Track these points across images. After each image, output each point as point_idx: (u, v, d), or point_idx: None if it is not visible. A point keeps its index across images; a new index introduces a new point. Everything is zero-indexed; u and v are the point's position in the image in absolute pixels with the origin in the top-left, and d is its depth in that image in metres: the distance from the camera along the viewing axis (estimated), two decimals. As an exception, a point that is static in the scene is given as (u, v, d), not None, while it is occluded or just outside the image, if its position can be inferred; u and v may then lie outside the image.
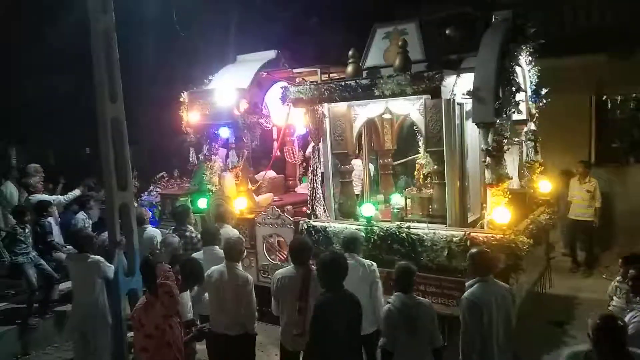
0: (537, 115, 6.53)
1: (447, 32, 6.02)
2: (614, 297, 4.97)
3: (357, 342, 3.74)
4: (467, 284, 4.00)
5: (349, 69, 6.06)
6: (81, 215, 7.43)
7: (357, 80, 5.66)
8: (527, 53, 5.94)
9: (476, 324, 3.75)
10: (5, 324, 6.34)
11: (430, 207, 5.86)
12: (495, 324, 3.77)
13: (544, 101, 6.48)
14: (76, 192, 7.83)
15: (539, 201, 6.58)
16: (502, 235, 4.80)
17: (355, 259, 4.40)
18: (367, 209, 5.64)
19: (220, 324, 4.31)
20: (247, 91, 6.83)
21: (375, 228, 5.51)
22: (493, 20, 5.67)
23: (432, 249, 5.10)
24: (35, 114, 11.73)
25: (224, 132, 6.96)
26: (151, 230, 6.12)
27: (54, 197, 7.85)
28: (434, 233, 5.16)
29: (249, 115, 6.75)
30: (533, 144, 6.57)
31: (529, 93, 6.39)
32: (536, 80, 6.32)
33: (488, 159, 4.99)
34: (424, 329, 3.71)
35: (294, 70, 6.82)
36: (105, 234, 5.31)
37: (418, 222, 5.73)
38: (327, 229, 5.83)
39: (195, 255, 5.08)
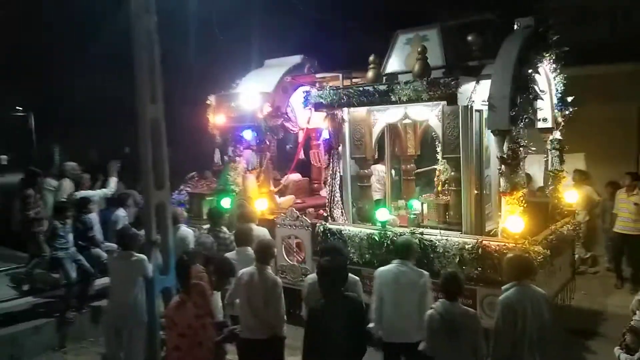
0: (563, 123, 6.37)
1: (468, 38, 5.98)
2: (637, 312, 4.81)
3: (358, 348, 3.70)
4: (503, 288, 3.98)
5: (369, 74, 6.14)
6: (121, 212, 7.59)
7: (375, 86, 5.72)
8: (551, 60, 5.84)
9: (509, 328, 3.73)
10: (43, 317, 6.52)
11: (447, 213, 5.84)
12: (528, 330, 3.74)
13: (570, 109, 6.32)
14: (113, 179, 8.04)
15: (564, 211, 6.42)
16: (514, 245, 4.74)
17: (407, 267, 4.33)
18: (381, 214, 5.68)
19: (250, 327, 4.33)
20: (270, 95, 7.00)
21: (389, 233, 5.54)
22: (515, 27, 5.62)
23: (445, 256, 5.10)
24: (79, 113, 12.34)
25: (248, 135, 7.16)
26: (184, 229, 6.19)
27: (97, 191, 8.08)
28: (446, 240, 5.15)
29: (272, 118, 6.91)
30: (558, 153, 6.41)
31: (555, 101, 6.28)
32: (562, 88, 6.18)
33: (503, 166, 4.93)
34: (466, 337, 3.71)
35: (317, 75, 6.93)
36: (142, 232, 5.29)
37: (434, 228, 5.72)
38: (342, 232, 5.91)
39: (228, 255, 5.19)
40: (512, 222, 4.83)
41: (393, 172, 7.78)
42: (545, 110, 6.35)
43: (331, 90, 6.16)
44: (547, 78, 6.10)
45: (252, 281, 4.38)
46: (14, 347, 6.08)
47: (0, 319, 6.36)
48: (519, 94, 4.89)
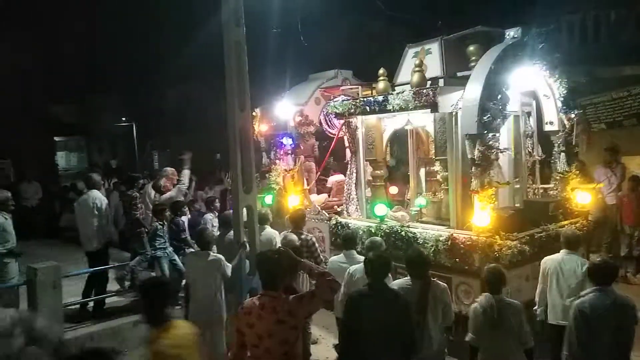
0: (567, 126, 6.55)
1: (469, 49, 6.48)
2: None
3: (396, 342, 3.69)
4: (582, 292, 4.10)
5: (379, 85, 6.90)
6: (209, 215, 8.20)
7: (374, 97, 6.49)
8: (547, 67, 6.13)
9: (581, 332, 3.85)
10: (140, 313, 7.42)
11: (442, 210, 6.40)
12: (604, 335, 3.81)
13: (576, 112, 6.50)
14: (186, 172, 8.29)
15: (572, 212, 6.58)
16: (477, 237, 5.24)
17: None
18: (379, 209, 6.42)
19: None
20: (303, 106, 8.05)
21: (384, 226, 6.27)
22: (505, 38, 6.04)
23: (424, 246, 5.70)
24: (176, 120, 14.24)
25: (286, 141, 8.26)
26: (270, 230, 6.40)
27: (171, 192, 8.39)
28: (425, 232, 5.77)
29: (302, 126, 7.95)
30: (564, 155, 6.60)
31: (559, 105, 6.51)
32: (564, 92, 6.40)
33: (473, 168, 5.43)
34: (510, 328, 3.89)
35: (342, 88, 7.82)
36: (231, 234, 5.52)
37: (430, 223, 6.33)
38: (350, 225, 6.74)
39: (335, 258, 5.58)
40: (479, 217, 5.32)
41: (423, 172, 8.38)
42: (551, 113, 6.63)
43: (345, 101, 7.04)
44: (547, 83, 6.39)
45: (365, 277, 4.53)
46: (116, 339, 6.51)
47: (106, 313, 7.05)
48: (490, 101, 5.37)
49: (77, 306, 7.14)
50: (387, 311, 3.67)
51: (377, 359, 3.66)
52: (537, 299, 5.13)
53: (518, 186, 6.85)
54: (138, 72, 13.33)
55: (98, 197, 7.56)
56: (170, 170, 8.75)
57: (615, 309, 3.84)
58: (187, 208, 8.43)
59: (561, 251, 4.98)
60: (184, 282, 6.51)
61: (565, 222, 6.35)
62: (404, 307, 3.75)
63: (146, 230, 8.09)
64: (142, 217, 8.47)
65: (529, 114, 6.90)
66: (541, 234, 5.88)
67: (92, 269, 7.43)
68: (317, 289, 3.34)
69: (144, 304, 3.25)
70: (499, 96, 5.38)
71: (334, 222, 6.99)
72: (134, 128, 13.45)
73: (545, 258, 5.07)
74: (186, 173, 8.30)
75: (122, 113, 13.70)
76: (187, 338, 3.22)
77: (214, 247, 5.93)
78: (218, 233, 7.06)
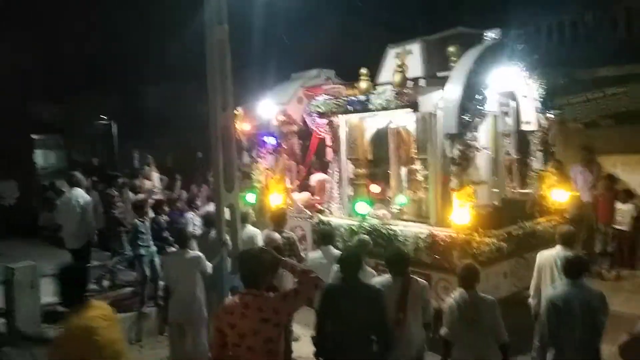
0: (545, 125, 6.70)
1: (449, 49, 6.58)
2: None
3: (370, 336, 3.83)
4: (555, 285, 4.36)
5: (361, 85, 6.96)
6: (190, 214, 8.32)
7: (357, 96, 6.55)
8: (526, 68, 6.26)
9: (552, 324, 3.99)
10: (122, 312, 6.68)
11: (422, 208, 6.49)
12: (575, 327, 3.94)
13: (553, 112, 6.65)
14: (154, 174, 8.54)
15: (548, 209, 6.73)
16: (456, 234, 5.34)
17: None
18: (361, 207, 6.48)
19: None
20: (286, 105, 8.07)
21: (365, 224, 6.34)
22: (484, 39, 6.15)
23: (405, 244, 5.79)
24: (158, 119, 14.15)
25: (269, 140, 8.27)
26: (251, 229, 6.38)
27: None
28: (406, 230, 5.85)
29: (284, 125, 7.97)
30: (541, 154, 6.75)
31: (537, 105, 6.65)
32: (542, 92, 6.54)
33: (453, 166, 5.52)
34: (484, 323, 3.96)
35: (324, 87, 7.86)
36: (214, 233, 5.41)
37: (410, 221, 6.41)
38: (331, 223, 6.80)
39: (313, 254, 5.65)
40: (457, 214, 5.41)
41: (404, 171, 8.47)
42: (529, 113, 6.77)
43: (326, 100, 7.08)
44: (525, 84, 6.53)
45: None
46: None
47: None
48: (470, 101, 5.47)
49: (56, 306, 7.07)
50: (360, 305, 3.77)
51: (352, 351, 3.75)
52: (531, 291, 5.23)
53: (496, 190, 6.94)
54: (119, 71, 13.25)
55: (81, 195, 7.55)
56: (148, 169, 8.90)
57: (586, 301, 3.98)
58: (167, 207, 8.48)
59: (557, 246, 5.11)
60: (161, 283, 6.54)
61: (542, 220, 6.51)
62: (377, 301, 3.85)
63: (126, 229, 8.08)
64: (122, 216, 8.47)
65: (507, 113, 7.03)
66: (518, 232, 6.02)
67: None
68: (301, 286, 3.35)
69: (61, 288, 3.21)
70: (478, 96, 5.48)
71: (316, 220, 7.03)
72: (114, 127, 13.34)
73: (541, 252, 5.21)
74: (155, 175, 8.42)
75: (103, 111, 13.59)
76: (102, 317, 3.18)
77: (194, 245, 5.93)
78: (200, 232, 7.09)
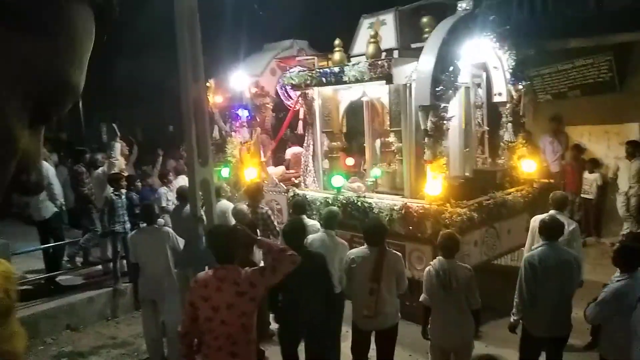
0: (515, 97, 6.80)
1: (422, 20, 6.56)
2: None
3: (322, 293, 4.15)
4: (532, 247, 4.58)
5: (335, 56, 6.90)
6: (163, 189, 8.07)
7: (330, 68, 6.50)
8: (497, 39, 6.30)
9: (529, 282, 4.17)
10: (97, 289, 6.96)
11: (396, 180, 6.57)
12: (550, 284, 4.13)
13: (523, 84, 6.75)
14: (117, 145, 7.94)
15: (518, 180, 6.90)
16: (429, 205, 5.43)
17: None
18: (336, 180, 6.52)
19: None
20: (259, 77, 7.95)
21: (340, 197, 6.38)
22: (457, 9, 6.14)
23: (379, 216, 5.87)
24: (126, 92, 13.70)
25: (242, 112, 8.16)
26: (225, 203, 6.37)
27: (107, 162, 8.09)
28: (380, 202, 5.93)
29: (257, 97, 7.87)
30: (511, 125, 6.87)
31: (507, 76, 6.73)
32: (512, 64, 6.62)
33: (426, 138, 5.58)
34: (459, 290, 4.10)
35: (298, 58, 7.76)
36: (187, 208, 5.35)
37: (386, 193, 6.49)
38: (307, 196, 6.82)
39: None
40: (431, 186, 5.50)
41: (378, 143, 8.53)
42: (500, 85, 6.85)
43: (300, 72, 7.00)
44: (496, 55, 6.58)
45: (325, 245, 4.83)
46: (70, 316, 6.51)
47: (57, 291, 6.91)
48: (443, 73, 5.50)
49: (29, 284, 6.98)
50: (305, 270, 3.85)
51: (302, 311, 4.09)
52: (525, 253, 5.25)
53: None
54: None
55: (44, 166, 7.35)
56: (117, 145, 8.55)
57: (561, 260, 4.19)
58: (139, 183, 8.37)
59: (550, 211, 5.29)
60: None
61: (512, 190, 6.67)
62: (321, 265, 4.20)
63: (95, 206, 7.90)
64: (90, 192, 8.30)
65: (479, 85, 7.10)
66: (489, 202, 6.16)
67: (42, 246, 7.29)
68: (278, 262, 3.38)
69: None
70: (451, 68, 5.51)
71: (291, 194, 7.04)
72: (80, 100, 12.90)
73: (535, 216, 5.41)
74: (117, 146, 7.99)
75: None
76: None
77: (166, 221, 5.82)
78: (173, 207, 7.01)
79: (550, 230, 4.32)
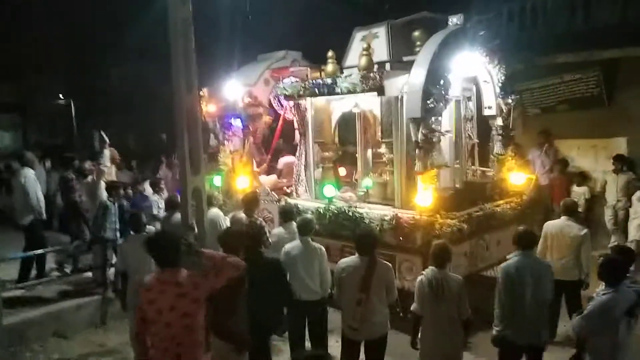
0: (505, 110, 6.90)
1: (414, 34, 6.66)
2: None
3: (272, 297, 4.42)
4: (508, 256, 4.57)
5: (328, 68, 6.97)
6: (155, 197, 8.04)
7: (323, 79, 6.57)
8: (487, 53, 6.42)
9: (507, 290, 4.28)
10: (85, 296, 6.92)
11: (387, 190, 6.62)
12: (526, 292, 4.22)
13: (513, 97, 6.87)
14: (105, 152, 7.96)
15: (507, 192, 6.98)
16: (419, 216, 5.49)
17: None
18: (328, 190, 6.56)
19: (309, 291, 4.87)
20: (252, 87, 8.00)
21: (332, 207, 6.43)
22: (448, 24, 6.26)
23: (370, 226, 5.91)
24: (119, 100, 13.74)
25: (236, 122, 8.20)
26: (215, 211, 6.40)
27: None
28: (371, 212, 5.98)
29: (250, 107, 7.93)
30: (501, 138, 6.97)
31: (497, 90, 6.84)
32: (502, 78, 6.73)
33: (417, 150, 5.65)
34: (451, 300, 4.16)
35: (290, 69, 7.83)
36: (177, 216, 5.49)
37: (376, 203, 6.54)
38: (298, 206, 6.85)
39: (277, 230, 5.72)
40: (421, 197, 5.56)
41: (370, 154, 8.60)
42: (490, 98, 6.96)
43: (293, 83, 7.07)
44: (486, 69, 6.69)
45: (303, 252, 4.92)
46: (58, 323, 6.49)
47: (46, 298, 6.89)
48: (434, 86, 5.58)
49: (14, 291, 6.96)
50: (260, 274, 4.29)
51: (258, 310, 4.24)
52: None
53: (458, 166, 7.14)
54: (80, 50, 12.73)
55: (28, 174, 7.59)
56: (107, 151, 8.39)
57: (535, 269, 4.32)
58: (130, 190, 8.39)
59: (562, 217, 5.60)
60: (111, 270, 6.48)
61: (501, 202, 6.75)
62: (277, 270, 4.65)
63: (82, 214, 7.93)
64: (79, 199, 8.29)
65: (469, 98, 7.20)
66: (479, 213, 6.23)
67: (29, 253, 7.28)
68: (220, 267, 3.50)
69: None
70: (442, 81, 5.60)
71: (283, 203, 7.06)
72: (72, 106, 12.86)
73: (547, 223, 5.73)
74: (106, 153, 8.00)
75: (62, 91, 13.07)
76: None
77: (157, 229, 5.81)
78: (164, 215, 7.00)
79: (524, 240, 4.44)
